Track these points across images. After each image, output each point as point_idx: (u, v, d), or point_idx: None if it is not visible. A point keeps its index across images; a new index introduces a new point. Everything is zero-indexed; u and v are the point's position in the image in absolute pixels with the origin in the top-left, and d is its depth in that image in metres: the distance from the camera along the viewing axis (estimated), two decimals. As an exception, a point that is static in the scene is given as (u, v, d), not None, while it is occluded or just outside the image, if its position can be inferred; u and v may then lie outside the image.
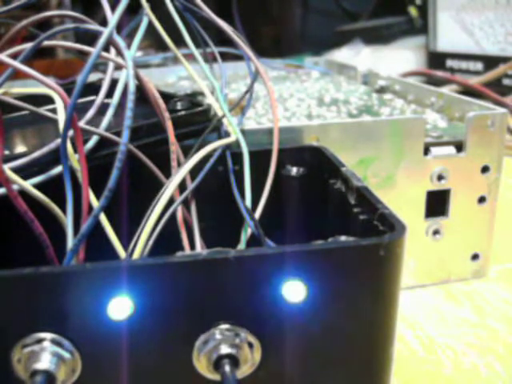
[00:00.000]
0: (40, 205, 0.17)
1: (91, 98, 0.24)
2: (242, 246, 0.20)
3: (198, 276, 0.14)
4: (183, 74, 0.49)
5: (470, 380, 0.23)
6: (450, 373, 0.23)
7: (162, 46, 0.64)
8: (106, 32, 0.16)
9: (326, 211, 0.22)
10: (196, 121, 0.23)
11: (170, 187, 0.18)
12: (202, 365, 0.15)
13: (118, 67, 0.21)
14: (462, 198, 0.28)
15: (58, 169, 0.18)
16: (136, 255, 0.17)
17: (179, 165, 0.20)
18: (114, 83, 0.21)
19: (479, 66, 0.73)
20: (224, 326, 0.15)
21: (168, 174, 0.20)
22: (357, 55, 0.82)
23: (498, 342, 0.25)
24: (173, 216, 0.19)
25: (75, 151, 0.18)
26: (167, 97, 0.22)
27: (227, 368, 0.14)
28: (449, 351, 0.25)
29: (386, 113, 0.34)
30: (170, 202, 0.18)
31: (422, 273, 0.30)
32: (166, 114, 0.21)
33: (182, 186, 0.19)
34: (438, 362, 0.24)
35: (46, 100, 0.23)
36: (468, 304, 0.28)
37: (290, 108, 0.35)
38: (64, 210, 0.17)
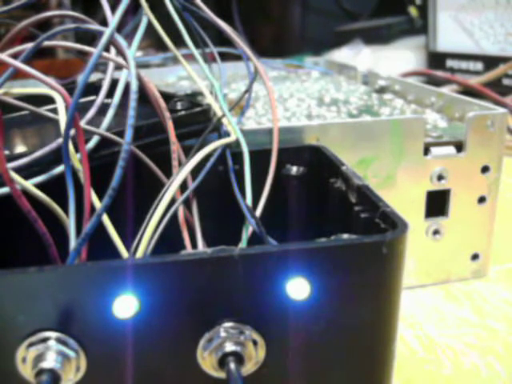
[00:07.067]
0: (40, 205, 0.17)
1: (91, 97, 0.24)
2: (242, 244, 0.20)
3: (203, 274, 0.14)
4: (183, 74, 0.49)
5: (470, 380, 0.23)
6: (450, 373, 0.23)
7: (162, 46, 0.64)
8: (107, 32, 0.16)
9: (326, 210, 0.22)
10: (196, 121, 0.23)
11: (172, 187, 0.18)
12: (206, 363, 0.15)
13: (118, 67, 0.21)
14: (462, 198, 0.28)
15: (59, 169, 0.18)
16: (139, 254, 0.17)
17: (180, 164, 0.20)
18: (113, 83, 0.21)
19: (479, 66, 0.73)
20: (228, 324, 0.15)
21: (169, 174, 0.20)
22: (357, 55, 0.82)
23: (497, 341, 0.25)
24: (173, 216, 0.19)
25: (76, 151, 0.18)
26: (167, 97, 0.22)
27: (232, 366, 0.14)
28: (449, 351, 0.25)
29: (386, 113, 0.34)
30: (171, 201, 0.18)
31: (422, 273, 0.30)
32: (167, 114, 0.21)
33: (182, 186, 0.19)
34: (438, 362, 0.24)
35: (46, 100, 0.23)
36: (468, 304, 0.28)
37: (289, 108, 0.35)
38: (64, 210, 0.17)
